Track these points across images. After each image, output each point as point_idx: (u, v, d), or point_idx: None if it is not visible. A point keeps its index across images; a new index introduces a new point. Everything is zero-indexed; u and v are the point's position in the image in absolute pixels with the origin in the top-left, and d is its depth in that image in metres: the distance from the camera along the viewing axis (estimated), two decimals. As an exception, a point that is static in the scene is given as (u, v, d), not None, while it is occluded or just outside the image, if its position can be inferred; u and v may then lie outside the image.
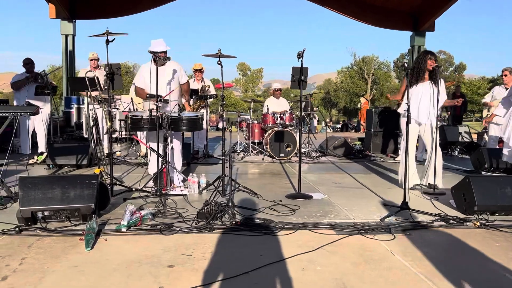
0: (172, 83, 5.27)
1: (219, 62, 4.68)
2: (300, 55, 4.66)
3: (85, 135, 9.36)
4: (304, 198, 4.71)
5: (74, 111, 11.05)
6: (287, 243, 3.26)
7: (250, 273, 2.69)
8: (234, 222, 3.69)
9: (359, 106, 21.06)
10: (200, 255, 3.00)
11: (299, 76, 4.79)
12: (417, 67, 5.19)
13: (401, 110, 5.31)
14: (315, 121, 18.69)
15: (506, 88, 7.07)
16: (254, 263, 2.83)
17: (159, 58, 4.98)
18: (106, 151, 7.08)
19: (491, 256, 3.05)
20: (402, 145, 8.24)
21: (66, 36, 12.86)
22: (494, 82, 50.72)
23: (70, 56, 13.04)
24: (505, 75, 7.19)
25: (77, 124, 10.90)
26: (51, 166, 6.45)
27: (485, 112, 8.16)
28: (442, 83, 5.22)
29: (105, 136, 7.49)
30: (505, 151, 5.66)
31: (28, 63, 7.57)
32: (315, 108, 12.56)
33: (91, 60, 8.03)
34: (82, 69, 8.41)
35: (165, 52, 5.08)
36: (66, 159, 6.48)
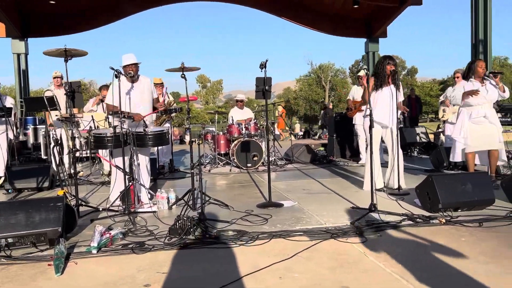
0: (148, 99, 5.19)
1: (182, 75, 4.67)
2: (263, 66, 4.73)
3: (44, 156, 9.03)
4: (275, 207, 4.74)
5: (30, 132, 10.66)
6: (263, 252, 3.27)
7: (228, 286, 2.67)
8: (207, 236, 3.66)
9: (276, 114, 20.85)
10: (175, 271, 2.95)
11: (263, 86, 4.85)
12: (379, 73, 5.41)
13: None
14: (280, 130, 18.87)
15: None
16: (231, 276, 2.82)
17: (129, 74, 4.89)
18: (67, 171, 6.86)
19: (459, 251, 3.18)
20: (362, 149, 8.53)
21: (18, 55, 12.45)
22: (445, 83, 53.11)
23: (23, 76, 12.60)
24: (457, 77, 7.51)
25: (34, 146, 10.50)
26: (9, 191, 6.16)
27: (440, 112, 8.50)
28: (400, 87, 5.47)
29: (67, 156, 7.26)
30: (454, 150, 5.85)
31: None
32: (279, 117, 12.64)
33: (54, 78, 7.96)
34: (47, 89, 8.23)
35: (136, 66, 5.00)
36: (26, 182, 6.22)
